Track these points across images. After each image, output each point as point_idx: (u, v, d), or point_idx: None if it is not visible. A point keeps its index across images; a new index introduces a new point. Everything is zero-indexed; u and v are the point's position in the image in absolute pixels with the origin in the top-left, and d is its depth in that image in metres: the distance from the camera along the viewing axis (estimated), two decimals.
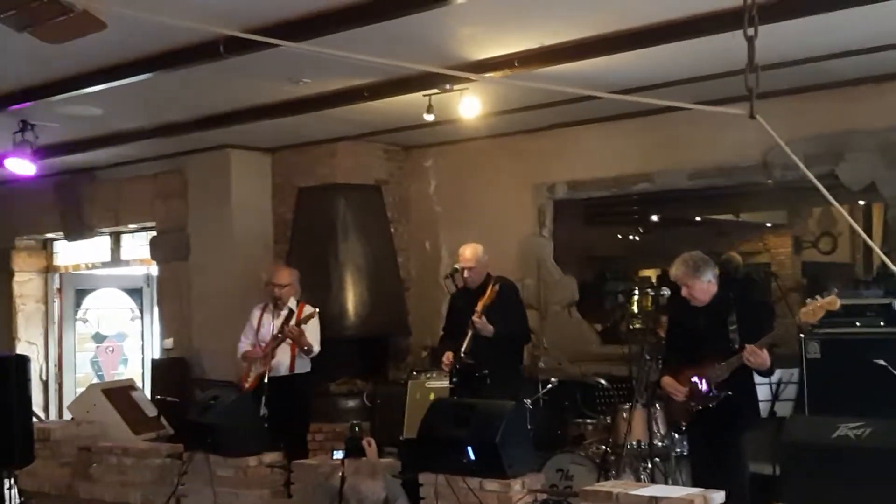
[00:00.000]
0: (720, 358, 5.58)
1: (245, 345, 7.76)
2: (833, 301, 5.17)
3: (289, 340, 7.49)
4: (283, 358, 7.59)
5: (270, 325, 7.62)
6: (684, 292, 5.82)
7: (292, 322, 7.46)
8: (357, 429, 6.15)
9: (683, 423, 5.86)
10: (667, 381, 5.88)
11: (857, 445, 4.06)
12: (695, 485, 5.37)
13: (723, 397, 5.59)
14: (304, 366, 7.73)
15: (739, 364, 5.48)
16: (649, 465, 6.15)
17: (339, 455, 5.65)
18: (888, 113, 7.36)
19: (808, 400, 6.31)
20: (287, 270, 7.90)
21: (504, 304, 6.99)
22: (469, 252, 7.16)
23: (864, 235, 4.35)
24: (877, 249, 4.71)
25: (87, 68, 6.81)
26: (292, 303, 7.72)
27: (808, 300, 5.27)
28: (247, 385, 7.52)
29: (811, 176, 3.75)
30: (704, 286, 5.77)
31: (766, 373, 5.70)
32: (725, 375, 5.56)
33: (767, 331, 5.53)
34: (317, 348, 7.65)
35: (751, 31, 3.63)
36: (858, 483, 4.02)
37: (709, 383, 5.62)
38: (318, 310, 7.65)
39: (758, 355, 5.39)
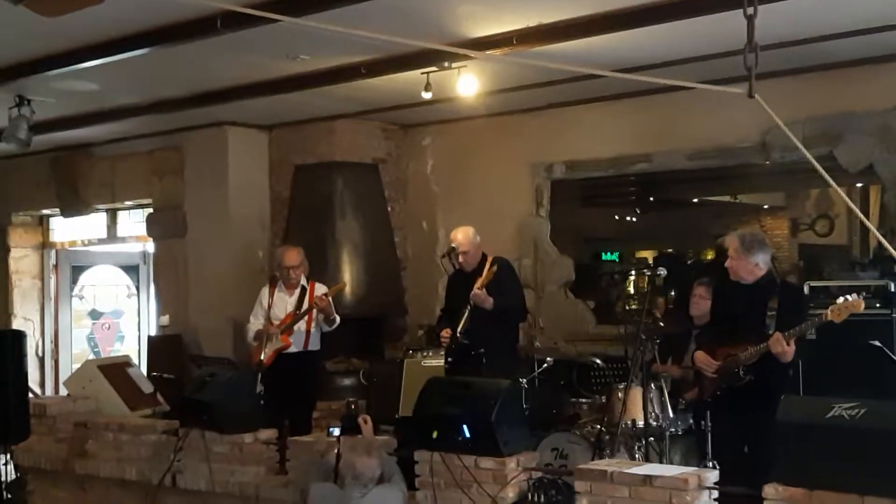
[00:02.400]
0: (754, 340, 5.58)
1: (256, 325, 7.73)
2: (858, 304, 5.21)
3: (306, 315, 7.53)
4: (299, 334, 7.61)
5: (284, 304, 7.63)
6: (728, 263, 5.79)
7: (307, 298, 7.53)
8: (353, 406, 6.18)
9: (708, 398, 5.86)
10: (699, 355, 5.88)
11: (852, 426, 4.06)
12: (717, 461, 5.37)
13: (747, 380, 5.59)
14: (315, 343, 7.76)
15: (768, 350, 5.48)
16: (644, 445, 6.17)
17: (335, 432, 5.67)
18: (887, 95, 7.35)
19: (804, 380, 6.32)
20: (295, 251, 7.85)
21: (502, 281, 7.01)
22: (461, 236, 7.14)
23: (862, 217, 4.35)
24: (875, 231, 4.71)
25: (83, 43, 6.78)
26: (303, 280, 7.74)
27: (839, 300, 5.29)
28: (264, 360, 7.49)
29: (809, 156, 3.75)
30: (750, 267, 5.73)
31: (786, 365, 5.68)
32: (754, 359, 5.56)
33: (801, 321, 5.53)
34: (338, 319, 7.69)
35: (750, 10, 3.62)
36: (853, 463, 4.02)
37: (738, 365, 5.63)
38: (345, 283, 7.75)
39: (781, 345, 5.39)
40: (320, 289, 7.70)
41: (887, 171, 7.52)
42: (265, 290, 7.83)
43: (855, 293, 5.35)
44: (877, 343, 6.17)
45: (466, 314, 6.89)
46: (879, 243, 7.19)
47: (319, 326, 7.70)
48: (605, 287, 11.71)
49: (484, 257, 7.15)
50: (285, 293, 7.70)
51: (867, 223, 4.88)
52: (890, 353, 6.14)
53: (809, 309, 5.89)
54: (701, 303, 6.65)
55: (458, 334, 6.88)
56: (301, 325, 7.57)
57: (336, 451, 5.40)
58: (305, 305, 7.56)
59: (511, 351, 7.18)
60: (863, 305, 5.25)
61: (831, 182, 3.83)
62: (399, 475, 5.35)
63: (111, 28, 6.42)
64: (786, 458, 4.28)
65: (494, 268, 6.94)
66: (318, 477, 5.42)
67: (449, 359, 6.91)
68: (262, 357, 7.50)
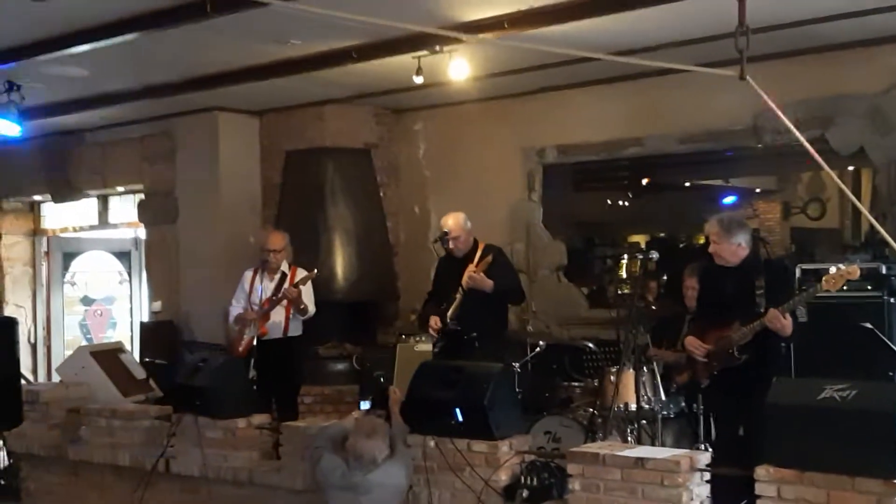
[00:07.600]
0: (745, 321, 5.59)
1: (237, 309, 7.73)
2: (854, 270, 5.23)
3: (285, 302, 7.48)
4: (277, 320, 7.57)
5: (262, 289, 7.59)
6: (711, 248, 5.80)
7: (286, 284, 7.48)
8: (382, 380, 6.04)
9: (703, 382, 5.87)
10: (689, 340, 5.89)
11: (843, 407, 4.08)
12: (714, 444, 5.37)
13: (742, 360, 5.60)
14: (296, 329, 7.72)
15: (762, 328, 5.48)
16: (636, 428, 6.19)
17: (366, 406, 5.63)
18: (878, 77, 7.35)
19: (795, 362, 6.34)
20: (280, 235, 7.84)
21: (499, 264, 6.98)
22: (452, 221, 7.05)
23: (854, 199, 4.36)
24: (866, 213, 4.72)
25: (73, 28, 6.76)
26: (285, 266, 7.69)
27: (832, 268, 5.30)
28: (241, 349, 7.49)
29: (801, 138, 3.76)
30: (733, 248, 5.73)
31: (787, 339, 5.70)
32: (748, 338, 5.56)
33: (791, 296, 5.54)
34: (312, 309, 7.64)
35: None
36: (843, 444, 4.04)
37: (732, 346, 5.63)
38: (315, 272, 7.65)
39: (780, 320, 5.39)
40: (301, 274, 7.63)
41: (879, 154, 7.52)
42: (248, 275, 7.78)
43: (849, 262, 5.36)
44: (868, 325, 6.19)
45: (458, 300, 6.86)
46: (871, 226, 7.20)
47: (295, 314, 7.65)
48: (599, 273, 11.73)
49: (475, 243, 7.12)
50: (266, 278, 7.66)
51: (859, 205, 4.89)
52: (881, 336, 6.16)
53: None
54: (694, 294, 6.63)
55: (448, 320, 6.87)
56: (280, 312, 7.54)
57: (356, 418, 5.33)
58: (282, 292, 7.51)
59: (500, 336, 7.16)
60: (858, 272, 5.25)
61: (823, 164, 3.84)
62: (405, 451, 5.29)
63: (101, 13, 6.39)
64: (777, 439, 4.29)
65: (489, 257, 6.89)
66: (330, 447, 5.32)
67: (438, 345, 6.90)
68: (241, 346, 7.48)
